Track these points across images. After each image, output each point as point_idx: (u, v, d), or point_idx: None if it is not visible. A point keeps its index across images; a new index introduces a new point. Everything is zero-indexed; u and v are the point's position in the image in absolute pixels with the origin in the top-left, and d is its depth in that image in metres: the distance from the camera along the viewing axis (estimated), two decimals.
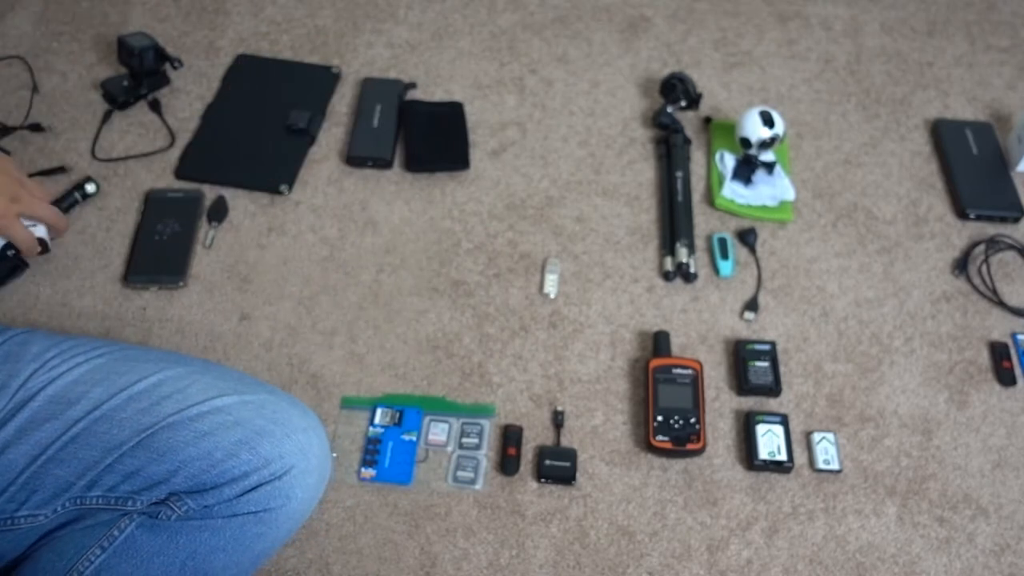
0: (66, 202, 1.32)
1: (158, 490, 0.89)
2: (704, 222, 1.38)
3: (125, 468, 0.88)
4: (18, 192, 1.18)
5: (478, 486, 1.12)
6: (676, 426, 1.14)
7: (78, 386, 0.90)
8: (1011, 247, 1.37)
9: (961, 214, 1.41)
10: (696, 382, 1.18)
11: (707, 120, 1.51)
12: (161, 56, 1.47)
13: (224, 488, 0.88)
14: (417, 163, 1.42)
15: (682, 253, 1.32)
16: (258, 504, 0.89)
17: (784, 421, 1.16)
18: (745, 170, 1.40)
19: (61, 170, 1.38)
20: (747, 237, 1.36)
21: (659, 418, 1.15)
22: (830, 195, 1.43)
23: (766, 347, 1.23)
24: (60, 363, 0.91)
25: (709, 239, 1.36)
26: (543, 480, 1.12)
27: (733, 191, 1.39)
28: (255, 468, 0.88)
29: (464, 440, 1.15)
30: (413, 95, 1.53)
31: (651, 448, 1.14)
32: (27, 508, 0.89)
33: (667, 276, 1.32)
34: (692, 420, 1.15)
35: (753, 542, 1.09)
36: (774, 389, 1.20)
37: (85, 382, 0.90)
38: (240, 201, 1.37)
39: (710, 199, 1.41)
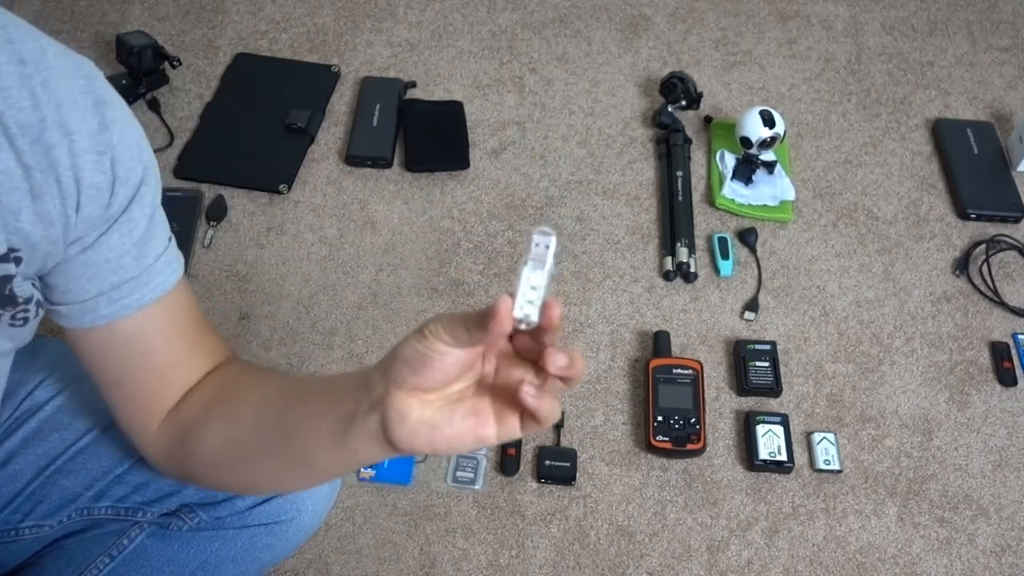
0: None
1: (169, 501, 0.88)
2: (704, 222, 1.38)
3: (135, 480, 0.87)
4: None
5: (478, 486, 1.12)
6: (676, 426, 1.14)
7: (88, 397, 0.89)
8: (1012, 247, 1.37)
9: (962, 214, 1.41)
10: (696, 382, 1.18)
11: (707, 120, 1.51)
12: (160, 55, 1.46)
13: (236, 500, 0.87)
14: (417, 163, 1.42)
15: (682, 253, 1.32)
16: (269, 516, 0.88)
17: (784, 421, 1.16)
18: (745, 170, 1.39)
19: None
20: (747, 237, 1.36)
21: (659, 418, 1.15)
22: (830, 195, 1.43)
23: (766, 347, 1.23)
24: (69, 373, 0.90)
25: (709, 239, 1.36)
26: (543, 480, 1.12)
27: (733, 191, 1.39)
28: None
29: None
30: (413, 94, 1.52)
31: (651, 448, 1.14)
32: (32, 519, 0.88)
33: (667, 276, 1.32)
34: (692, 420, 1.15)
35: (753, 543, 1.09)
36: (774, 389, 1.20)
37: (95, 392, 0.89)
38: (239, 200, 1.37)
39: (710, 199, 1.40)
